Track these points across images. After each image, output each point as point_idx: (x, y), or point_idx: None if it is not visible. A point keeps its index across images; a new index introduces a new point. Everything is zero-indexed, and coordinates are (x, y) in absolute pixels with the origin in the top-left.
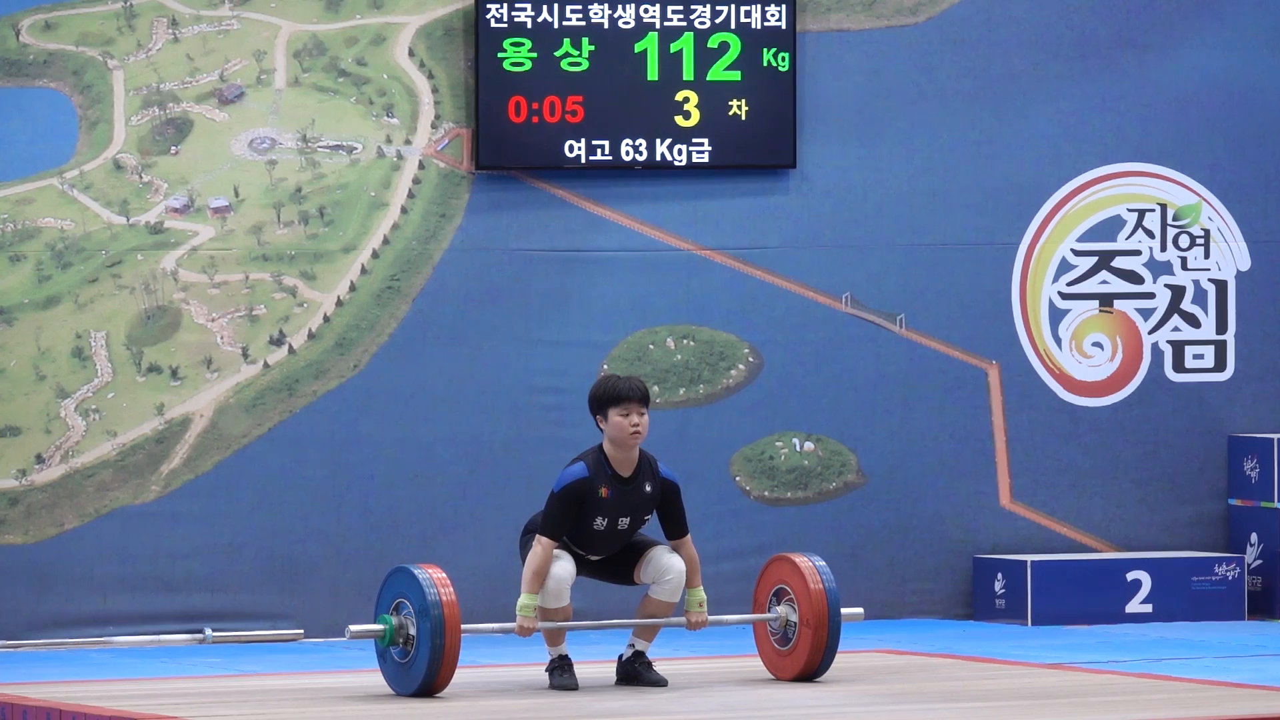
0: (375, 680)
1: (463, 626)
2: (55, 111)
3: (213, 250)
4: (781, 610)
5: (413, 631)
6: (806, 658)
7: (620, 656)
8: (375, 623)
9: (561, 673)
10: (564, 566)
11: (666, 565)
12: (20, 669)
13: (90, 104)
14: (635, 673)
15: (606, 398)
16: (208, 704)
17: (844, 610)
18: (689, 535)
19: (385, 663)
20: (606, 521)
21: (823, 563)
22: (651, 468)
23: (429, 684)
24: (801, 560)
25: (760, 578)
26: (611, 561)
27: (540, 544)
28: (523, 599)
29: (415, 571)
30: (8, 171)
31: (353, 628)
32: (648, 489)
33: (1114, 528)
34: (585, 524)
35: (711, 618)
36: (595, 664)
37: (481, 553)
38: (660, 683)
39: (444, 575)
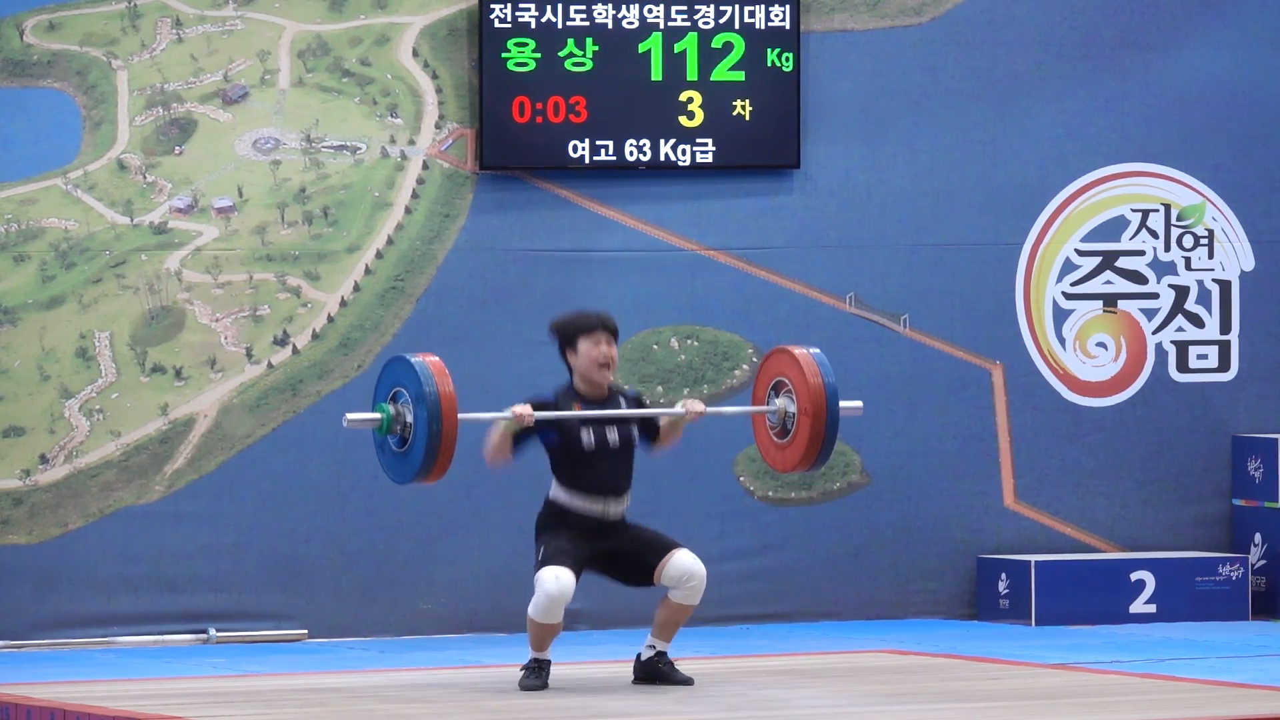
0: (379, 681)
1: (460, 416)
2: (59, 112)
3: (217, 250)
4: (780, 402)
5: (410, 419)
6: (805, 448)
7: (639, 656)
8: (372, 411)
9: (535, 674)
10: (561, 583)
11: (689, 571)
12: (24, 669)
13: (94, 104)
14: (660, 673)
15: (576, 326)
16: (211, 704)
17: (843, 403)
18: None
19: (383, 454)
20: (595, 438)
21: (820, 353)
22: (620, 391)
23: (426, 470)
24: (799, 352)
25: (759, 371)
26: (631, 562)
27: (498, 425)
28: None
29: (412, 360)
30: (12, 172)
31: (350, 416)
32: (622, 404)
33: (1118, 528)
34: (575, 446)
35: (710, 409)
36: (602, 664)
37: (485, 553)
38: (686, 682)
39: (440, 362)
